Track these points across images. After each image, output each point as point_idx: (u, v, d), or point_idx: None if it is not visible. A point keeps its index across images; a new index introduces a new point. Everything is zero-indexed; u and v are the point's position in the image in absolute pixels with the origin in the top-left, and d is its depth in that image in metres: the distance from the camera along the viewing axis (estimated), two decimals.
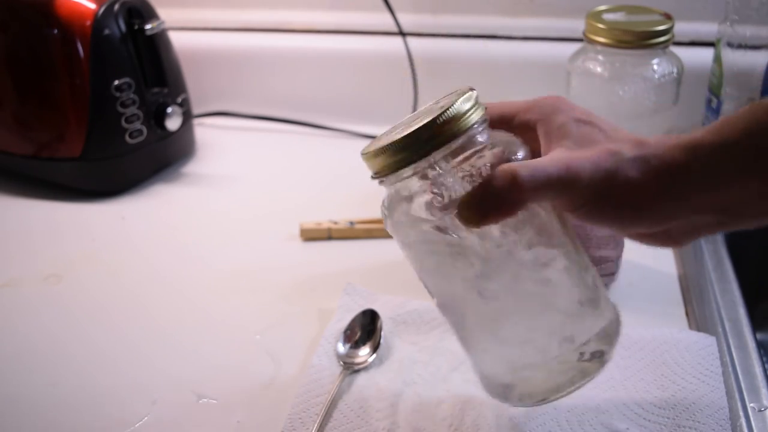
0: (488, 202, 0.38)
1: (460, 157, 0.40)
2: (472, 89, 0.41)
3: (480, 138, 0.40)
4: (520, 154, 0.41)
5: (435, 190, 0.40)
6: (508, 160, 0.40)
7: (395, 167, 0.40)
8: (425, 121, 0.39)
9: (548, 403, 0.44)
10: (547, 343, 0.42)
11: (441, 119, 0.38)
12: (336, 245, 0.74)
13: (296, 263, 0.72)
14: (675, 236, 0.43)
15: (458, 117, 0.39)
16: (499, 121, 0.43)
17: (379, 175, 0.42)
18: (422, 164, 0.39)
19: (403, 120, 0.45)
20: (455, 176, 0.39)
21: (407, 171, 0.40)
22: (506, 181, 0.37)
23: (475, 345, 0.46)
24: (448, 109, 0.38)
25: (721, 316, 0.60)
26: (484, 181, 0.38)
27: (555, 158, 0.39)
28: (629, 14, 0.71)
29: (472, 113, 0.39)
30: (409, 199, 0.41)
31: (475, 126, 0.40)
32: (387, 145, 0.40)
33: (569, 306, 0.42)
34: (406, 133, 0.39)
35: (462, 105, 0.39)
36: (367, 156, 0.42)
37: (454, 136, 0.39)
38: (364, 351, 0.57)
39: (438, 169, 0.39)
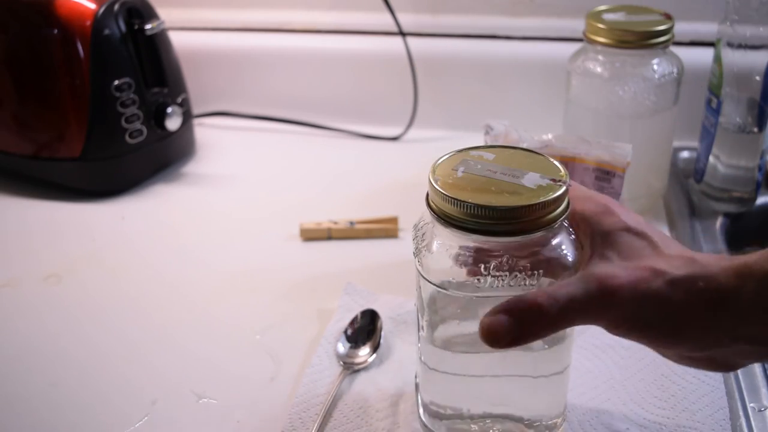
0: (513, 330, 0.37)
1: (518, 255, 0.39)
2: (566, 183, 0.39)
3: (554, 240, 0.40)
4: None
5: (478, 273, 0.39)
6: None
7: (468, 227, 0.38)
8: (528, 203, 0.37)
9: None
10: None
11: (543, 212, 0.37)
12: (336, 245, 0.75)
13: (296, 263, 0.72)
14: (720, 363, 0.40)
15: (551, 213, 0.38)
16: None
17: (448, 219, 0.39)
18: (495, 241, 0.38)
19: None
20: (503, 275, 0.38)
21: (479, 238, 0.38)
22: (532, 307, 0.36)
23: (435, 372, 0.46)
24: (557, 199, 0.38)
25: None
26: (511, 305, 0.37)
27: (587, 275, 0.37)
28: (629, 14, 0.71)
29: (562, 210, 0.39)
30: (451, 254, 0.40)
31: (556, 224, 0.39)
32: (478, 205, 0.37)
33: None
34: (502, 205, 0.37)
35: (562, 202, 0.39)
36: (449, 198, 0.38)
37: (538, 228, 0.38)
38: (364, 351, 0.57)
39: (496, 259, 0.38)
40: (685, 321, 0.37)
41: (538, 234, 0.38)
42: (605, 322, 0.38)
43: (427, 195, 0.41)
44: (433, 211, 0.40)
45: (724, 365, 0.40)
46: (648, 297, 0.36)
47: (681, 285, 0.37)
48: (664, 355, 0.41)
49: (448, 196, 0.38)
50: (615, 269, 0.37)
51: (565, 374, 0.45)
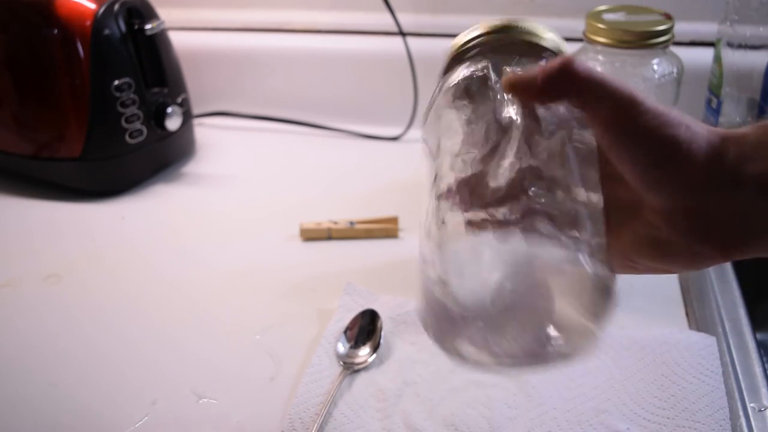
0: (535, 73, 0.36)
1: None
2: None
3: None
4: None
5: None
6: None
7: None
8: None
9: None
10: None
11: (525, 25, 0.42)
12: (336, 245, 0.75)
13: (296, 263, 0.72)
14: (720, 234, 0.37)
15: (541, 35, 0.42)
16: None
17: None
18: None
19: None
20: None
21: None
22: (559, 61, 0.36)
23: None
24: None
25: (721, 316, 0.60)
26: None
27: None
28: (629, 14, 0.71)
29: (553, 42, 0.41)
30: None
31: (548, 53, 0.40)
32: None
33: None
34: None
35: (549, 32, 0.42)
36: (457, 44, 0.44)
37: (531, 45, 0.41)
38: (364, 351, 0.57)
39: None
40: (690, 143, 0.35)
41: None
42: (611, 112, 0.36)
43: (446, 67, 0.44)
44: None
45: (718, 232, 0.37)
46: (663, 109, 0.36)
47: (693, 121, 0.36)
48: (649, 197, 0.37)
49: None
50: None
51: None
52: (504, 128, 0.38)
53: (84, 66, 0.80)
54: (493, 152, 0.37)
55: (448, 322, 0.35)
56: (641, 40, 0.68)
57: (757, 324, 0.61)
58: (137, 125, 0.84)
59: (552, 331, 0.34)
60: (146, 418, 0.53)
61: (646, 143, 0.35)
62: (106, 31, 0.80)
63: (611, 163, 0.37)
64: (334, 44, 1.00)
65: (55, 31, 0.79)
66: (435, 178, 0.40)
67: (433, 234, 0.37)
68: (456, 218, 0.37)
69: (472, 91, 0.40)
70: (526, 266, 0.35)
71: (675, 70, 0.71)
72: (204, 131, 0.99)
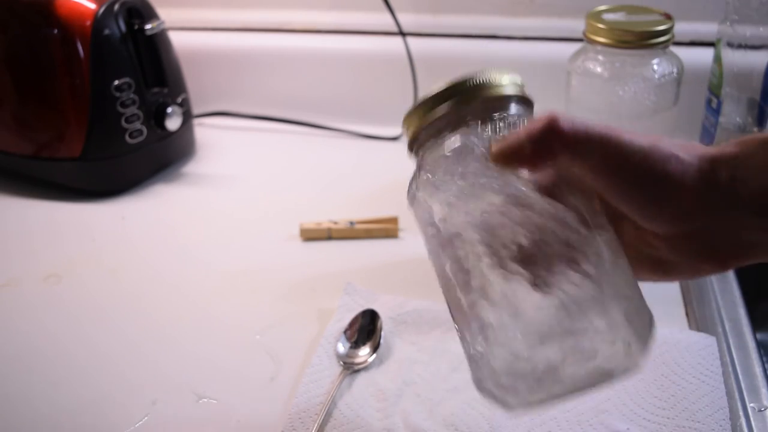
0: (522, 141, 0.36)
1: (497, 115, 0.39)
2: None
3: (516, 111, 0.40)
4: None
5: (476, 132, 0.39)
6: None
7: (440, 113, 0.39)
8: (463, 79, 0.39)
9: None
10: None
11: (476, 79, 0.39)
12: (336, 245, 0.75)
13: (296, 263, 0.72)
14: (719, 246, 0.38)
15: (494, 84, 0.39)
16: None
17: (424, 125, 0.40)
18: (467, 111, 0.39)
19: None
20: (495, 125, 0.39)
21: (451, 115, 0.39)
22: (544, 122, 0.35)
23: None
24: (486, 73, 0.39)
25: (721, 316, 0.60)
26: (526, 125, 0.36)
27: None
28: (629, 14, 0.71)
29: (510, 87, 0.40)
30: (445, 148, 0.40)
31: (512, 99, 0.39)
32: (432, 94, 0.39)
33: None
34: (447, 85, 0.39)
35: (499, 76, 0.39)
36: (411, 114, 0.41)
37: (498, 98, 0.39)
38: (364, 351, 0.57)
39: (478, 120, 0.39)
40: (681, 176, 0.36)
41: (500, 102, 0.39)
42: (601, 162, 0.36)
43: (410, 143, 0.42)
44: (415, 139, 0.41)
45: (719, 250, 0.38)
46: (650, 146, 0.36)
47: (681, 147, 0.37)
48: (650, 227, 0.39)
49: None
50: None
51: None
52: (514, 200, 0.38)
53: (84, 66, 0.80)
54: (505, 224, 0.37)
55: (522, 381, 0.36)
56: (641, 40, 0.68)
57: (757, 324, 0.61)
58: (137, 125, 0.84)
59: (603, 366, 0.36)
60: (146, 418, 0.53)
61: (639, 183, 0.36)
62: (106, 31, 0.80)
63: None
64: (334, 44, 1.00)
65: (55, 31, 0.79)
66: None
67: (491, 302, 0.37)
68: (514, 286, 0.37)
69: (456, 167, 0.39)
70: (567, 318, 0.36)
71: (675, 70, 0.71)
72: (204, 131, 0.99)
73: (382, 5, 0.94)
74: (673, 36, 0.69)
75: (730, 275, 0.65)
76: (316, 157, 0.95)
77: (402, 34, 0.95)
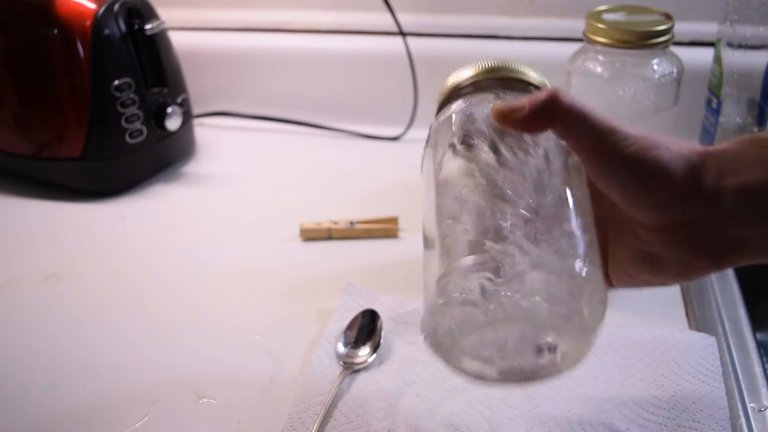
0: (522, 103, 0.38)
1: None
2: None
3: None
4: None
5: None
6: None
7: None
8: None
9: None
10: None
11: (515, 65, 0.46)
12: (336, 245, 0.75)
13: (296, 263, 0.72)
14: (710, 240, 0.38)
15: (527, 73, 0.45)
16: None
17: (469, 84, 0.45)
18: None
19: None
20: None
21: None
22: (545, 92, 0.38)
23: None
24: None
25: (721, 316, 0.60)
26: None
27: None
28: (629, 14, 0.71)
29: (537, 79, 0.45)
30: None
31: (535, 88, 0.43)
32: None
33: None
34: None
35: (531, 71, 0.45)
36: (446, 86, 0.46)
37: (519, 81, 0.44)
38: (364, 351, 0.57)
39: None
40: (671, 163, 0.37)
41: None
42: (594, 143, 0.38)
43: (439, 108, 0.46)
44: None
45: (709, 245, 0.39)
46: (644, 136, 0.38)
47: (674, 140, 0.39)
48: (637, 215, 0.39)
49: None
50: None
51: None
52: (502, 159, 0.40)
53: (84, 66, 0.80)
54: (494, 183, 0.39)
55: (448, 338, 0.37)
56: (641, 40, 0.68)
57: (757, 324, 0.61)
58: (137, 125, 0.84)
59: (550, 340, 0.36)
60: (146, 418, 0.53)
61: (628, 167, 0.38)
62: (106, 31, 0.80)
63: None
64: (334, 44, 1.00)
65: (55, 31, 0.79)
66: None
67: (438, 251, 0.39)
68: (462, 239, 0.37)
69: (467, 125, 0.42)
70: (521, 279, 0.35)
71: (675, 70, 0.71)
72: (204, 131, 0.99)
73: (382, 5, 0.94)
74: (673, 36, 0.69)
75: (730, 275, 0.65)
76: (316, 157, 0.95)
77: (402, 34, 0.95)
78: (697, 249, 0.39)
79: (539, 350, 0.37)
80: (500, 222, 0.36)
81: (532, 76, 0.45)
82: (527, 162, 0.39)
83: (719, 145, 0.38)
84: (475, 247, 0.36)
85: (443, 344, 0.38)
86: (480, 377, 0.38)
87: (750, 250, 0.39)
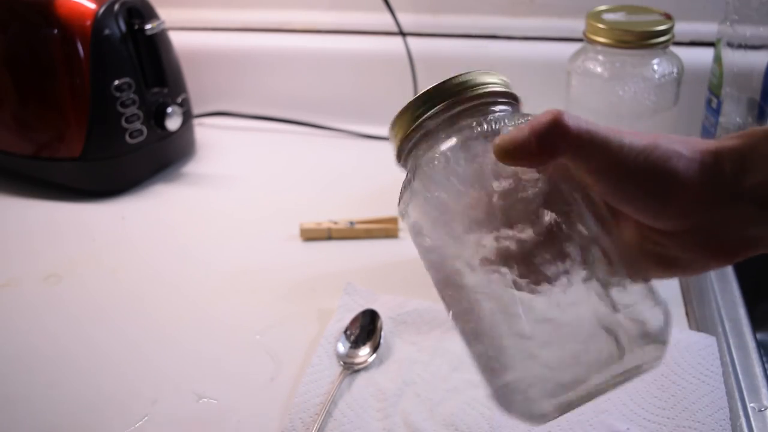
0: (527, 136, 0.35)
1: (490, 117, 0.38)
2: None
3: (504, 109, 0.39)
4: None
5: (479, 124, 0.38)
6: None
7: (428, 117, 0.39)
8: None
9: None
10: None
11: (459, 78, 0.38)
12: (336, 245, 0.74)
13: (296, 263, 0.72)
14: (725, 240, 0.38)
15: (478, 82, 0.38)
16: None
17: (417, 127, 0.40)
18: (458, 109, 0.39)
19: None
20: (502, 121, 0.38)
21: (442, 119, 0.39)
22: (549, 118, 0.35)
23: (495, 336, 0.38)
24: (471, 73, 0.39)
25: (721, 316, 0.60)
26: (530, 121, 0.36)
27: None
28: (629, 14, 0.71)
29: (495, 85, 0.39)
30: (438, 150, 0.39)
31: (498, 97, 0.39)
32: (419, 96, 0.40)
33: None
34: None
35: (482, 75, 0.39)
36: (396, 122, 0.41)
37: (476, 96, 0.39)
38: (364, 351, 0.57)
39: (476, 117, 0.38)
40: (683, 171, 0.36)
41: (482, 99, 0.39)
42: (602, 162, 0.36)
43: (398, 153, 0.42)
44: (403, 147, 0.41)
45: (724, 244, 0.38)
46: (650, 145, 0.36)
47: (681, 143, 0.37)
48: (655, 225, 0.38)
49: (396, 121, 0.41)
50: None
51: None
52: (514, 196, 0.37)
53: (84, 66, 0.80)
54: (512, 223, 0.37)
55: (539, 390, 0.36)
56: (641, 40, 0.68)
57: (757, 324, 0.61)
58: (137, 125, 0.84)
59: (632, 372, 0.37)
60: (146, 417, 0.53)
61: (642, 184, 0.36)
62: (106, 31, 0.80)
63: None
64: (334, 44, 1.00)
65: (55, 31, 0.79)
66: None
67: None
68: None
69: (455, 166, 0.38)
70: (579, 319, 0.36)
71: (675, 70, 0.71)
72: (204, 131, 0.99)
73: (382, 5, 0.94)
74: (673, 36, 0.69)
75: (730, 275, 0.65)
76: (316, 157, 0.95)
77: (402, 34, 0.95)
78: (714, 249, 0.38)
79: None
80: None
81: (494, 81, 0.40)
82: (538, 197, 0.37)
83: (727, 141, 0.37)
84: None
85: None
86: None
87: (766, 245, 0.38)
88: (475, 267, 0.37)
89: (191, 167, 0.92)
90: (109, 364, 0.59)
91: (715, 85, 0.73)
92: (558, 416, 0.37)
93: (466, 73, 0.39)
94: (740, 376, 0.53)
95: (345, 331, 0.59)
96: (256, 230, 0.77)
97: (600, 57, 0.71)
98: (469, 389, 0.53)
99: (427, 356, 0.57)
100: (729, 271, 0.66)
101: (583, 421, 0.50)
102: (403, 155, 0.42)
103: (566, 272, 0.36)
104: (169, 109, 0.85)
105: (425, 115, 0.40)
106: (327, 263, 0.71)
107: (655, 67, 0.69)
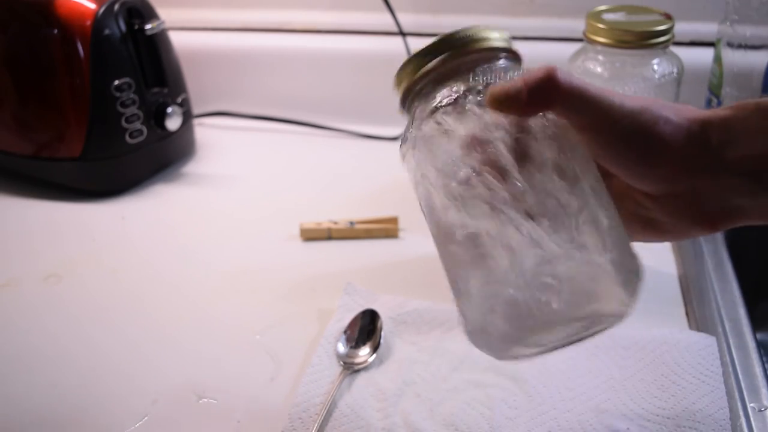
0: (519, 87, 0.36)
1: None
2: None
3: (506, 64, 0.41)
4: None
5: (472, 79, 0.39)
6: None
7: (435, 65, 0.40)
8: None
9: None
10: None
11: (465, 32, 0.40)
12: (336, 245, 0.74)
13: (296, 263, 0.72)
14: (709, 207, 0.38)
15: (483, 37, 0.40)
16: None
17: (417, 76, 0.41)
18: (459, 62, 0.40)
19: None
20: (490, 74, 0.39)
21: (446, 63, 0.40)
22: (542, 72, 0.36)
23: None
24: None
25: (721, 316, 0.60)
26: (525, 73, 0.37)
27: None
28: (629, 14, 0.71)
29: (499, 41, 0.41)
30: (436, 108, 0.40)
31: (501, 52, 0.40)
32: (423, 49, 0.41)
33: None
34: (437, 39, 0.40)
35: (488, 31, 0.40)
36: (402, 70, 0.43)
37: (481, 49, 0.40)
38: (364, 351, 0.57)
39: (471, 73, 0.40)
40: (671, 136, 0.37)
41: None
42: (594, 121, 0.37)
43: (403, 97, 0.44)
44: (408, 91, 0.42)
45: (708, 211, 0.39)
46: (641, 109, 0.37)
47: (671, 109, 0.37)
48: (639, 186, 0.39)
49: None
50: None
51: None
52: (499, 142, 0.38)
53: (84, 66, 0.80)
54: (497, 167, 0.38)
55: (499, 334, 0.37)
56: (641, 40, 0.68)
57: (757, 324, 0.61)
58: (137, 125, 0.84)
59: (593, 319, 0.37)
60: (146, 417, 0.53)
61: (628, 143, 0.37)
62: (106, 31, 0.80)
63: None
64: (334, 44, 1.00)
65: (55, 31, 0.79)
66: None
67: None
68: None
69: (454, 113, 0.40)
70: (559, 261, 0.36)
71: (675, 70, 0.71)
72: (204, 131, 0.99)
73: (382, 5, 0.94)
74: (673, 36, 0.69)
75: (730, 275, 0.65)
76: (316, 157, 0.95)
77: (402, 34, 0.95)
78: (697, 216, 0.39)
79: (584, 327, 0.38)
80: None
81: (494, 38, 0.41)
82: (537, 145, 0.38)
83: (719, 111, 0.37)
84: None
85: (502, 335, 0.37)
86: (528, 358, 0.39)
87: (749, 217, 0.39)
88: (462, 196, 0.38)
89: (191, 167, 0.92)
90: (109, 364, 0.59)
91: (715, 85, 0.74)
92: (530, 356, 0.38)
93: (471, 27, 0.40)
94: (740, 376, 0.53)
95: (345, 331, 0.59)
96: (256, 230, 0.77)
97: (600, 57, 0.71)
98: (469, 389, 0.53)
99: (427, 356, 0.57)
100: (729, 271, 0.66)
101: (583, 421, 0.50)
102: (406, 102, 0.44)
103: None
104: (169, 109, 0.85)
105: (430, 64, 0.41)
106: (327, 263, 0.71)
107: (655, 67, 0.69)
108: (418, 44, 0.97)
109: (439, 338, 0.59)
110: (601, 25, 0.69)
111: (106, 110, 0.82)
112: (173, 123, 0.86)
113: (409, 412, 0.52)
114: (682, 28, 0.80)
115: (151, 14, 0.85)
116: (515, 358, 0.39)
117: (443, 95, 0.40)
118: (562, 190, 0.37)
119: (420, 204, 0.42)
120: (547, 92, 0.36)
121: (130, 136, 0.83)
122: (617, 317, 0.38)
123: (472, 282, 0.38)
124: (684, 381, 0.53)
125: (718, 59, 0.73)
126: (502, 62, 0.41)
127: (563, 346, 0.39)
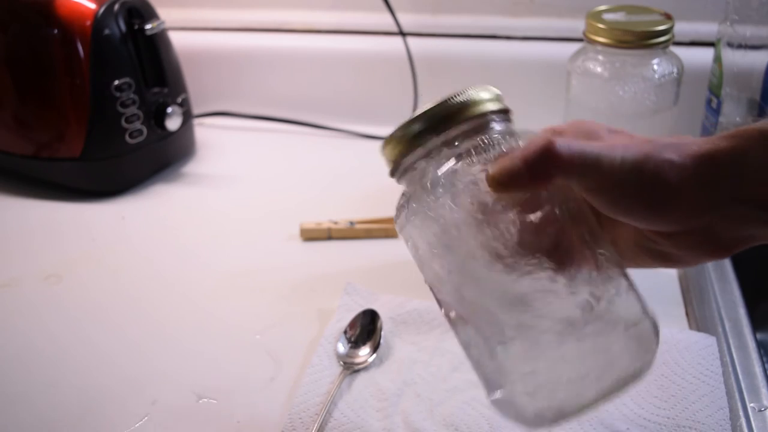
0: (519, 166, 0.36)
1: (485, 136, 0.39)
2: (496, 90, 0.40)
3: (501, 127, 0.40)
4: None
5: (473, 149, 0.38)
6: None
7: (421, 141, 0.39)
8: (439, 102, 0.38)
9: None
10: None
11: (457, 98, 0.38)
12: (336, 245, 0.74)
13: (296, 263, 0.72)
14: (721, 239, 0.38)
15: (476, 101, 0.39)
16: None
17: (407, 152, 0.40)
18: (447, 135, 0.39)
19: None
20: (492, 145, 0.38)
21: (435, 142, 0.39)
22: (540, 147, 0.36)
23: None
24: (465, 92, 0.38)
25: (721, 316, 0.60)
26: (522, 148, 0.37)
27: (590, 142, 0.37)
28: (629, 14, 0.71)
29: (491, 102, 0.39)
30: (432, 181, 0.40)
31: (495, 115, 0.39)
32: (409, 120, 0.39)
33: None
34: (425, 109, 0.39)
35: (478, 92, 0.39)
36: (392, 139, 0.41)
37: (474, 116, 0.39)
38: (364, 351, 0.57)
39: (466, 141, 0.39)
40: (678, 178, 0.36)
41: (479, 120, 0.39)
42: (599, 181, 0.37)
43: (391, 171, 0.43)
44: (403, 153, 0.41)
45: (721, 242, 0.38)
46: (644, 156, 0.36)
47: (673, 148, 0.37)
48: (656, 226, 0.39)
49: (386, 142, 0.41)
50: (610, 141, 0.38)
51: None
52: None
53: (84, 66, 0.80)
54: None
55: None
56: (641, 40, 0.68)
57: (757, 324, 0.61)
58: (137, 125, 0.84)
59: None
60: (146, 417, 0.53)
61: (638, 198, 0.37)
62: (106, 31, 0.80)
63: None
64: (334, 44, 1.00)
65: (55, 31, 0.79)
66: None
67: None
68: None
69: (451, 189, 0.39)
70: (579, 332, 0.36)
71: (675, 70, 0.71)
72: (204, 131, 0.99)
73: (382, 5, 0.94)
74: (673, 36, 0.69)
75: (730, 275, 0.65)
76: (316, 157, 0.95)
77: (402, 34, 0.95)
78: (708, 247, 0.39)
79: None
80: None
81: (484, 98, 0.40)
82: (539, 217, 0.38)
83: (721, 142, 0.37)
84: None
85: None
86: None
87: (760, 240, 0.38)
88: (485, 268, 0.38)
89: (191, 167, 0.92)
90: (109, 364, 0.59)
91: (715, 85, 0.74)
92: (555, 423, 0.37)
93: (463, 92, 0.39)
94: (740, 376, 0.54)
95: (345, 331, 0.59)
96: (256, 230, 0.77)
97: (600, 57, 0.71)
98: (469, 389, 0.53)
99: (427, 356, 0.57)
100: (729, 271, 0.66)
101: (583, 421, 0.50)
102: (398, 173, 0.42)
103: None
104: (169, 109, 0.85)
105: (423, 136, 0.39)
106: (327, 263, 0.71)
107: (655, 67, 0.69)
108: (418, 44, 0.97)
109: (439, 338, 0.59)
110: (601, 25, 0.69)
111: (106, 110, 0.82)
112: (173, 123, 0.86)
113: (409, 412, 0.52)
114: (682, 28, 0.80)
115: (151, 14, 0.85)
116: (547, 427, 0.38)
117: (440, 170, 0.39)
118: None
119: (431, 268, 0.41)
120: (547, 166, 0.36)
121: (130, 136, 0.83)
122: (646, 370, 0.38)
123: (510, 356, 0.37)
124: (684, 381, 0.53)
125: (718, 59, 0.73)
126: (497, 127, 0.40)
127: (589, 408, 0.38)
